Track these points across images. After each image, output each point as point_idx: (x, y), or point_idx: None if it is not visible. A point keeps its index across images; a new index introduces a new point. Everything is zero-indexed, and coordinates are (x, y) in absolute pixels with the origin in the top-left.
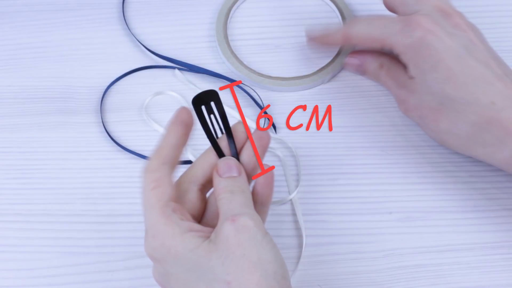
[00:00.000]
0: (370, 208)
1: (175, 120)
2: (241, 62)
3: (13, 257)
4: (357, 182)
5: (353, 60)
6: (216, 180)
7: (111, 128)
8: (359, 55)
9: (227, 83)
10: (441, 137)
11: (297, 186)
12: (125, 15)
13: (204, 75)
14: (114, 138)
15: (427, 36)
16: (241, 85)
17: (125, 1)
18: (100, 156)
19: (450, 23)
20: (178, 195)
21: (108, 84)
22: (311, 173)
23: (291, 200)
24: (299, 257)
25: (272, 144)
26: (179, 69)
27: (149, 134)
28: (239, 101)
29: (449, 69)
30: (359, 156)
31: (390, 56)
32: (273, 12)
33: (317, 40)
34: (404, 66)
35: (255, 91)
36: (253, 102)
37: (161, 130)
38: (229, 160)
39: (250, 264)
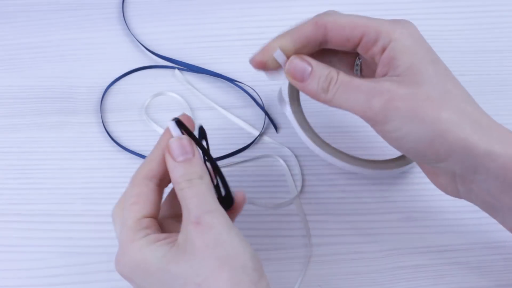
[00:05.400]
0: (370, 208)
1: (167, 131)
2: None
3: (13, 257)
4: (357, 183)
5: (300, 64)
6: (171, 166)
7: (111, 128)
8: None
9: (227, 83)
10: (441, 129)
11: (299, 186)
12: (125, 15)
13: (204, 75)
14: (114, 138)
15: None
16: (241, 85)
17: (125, 1)
18: (100, 156)
19: None
20: (156, 210)
21: (108, 84)
22: (310, 173)
23: (293, 201)
24: (309, 257)
25: (274, 145)
26: (179, 69)
27: (149, 134)
28: (239, 100)
29: (447, 68)
30: (359, 156)
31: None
32: (273, 12)
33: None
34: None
35: (254, 91)
36: (253, 102)
37: (160, 130)
38: (181, 140)
39: (217, 261)
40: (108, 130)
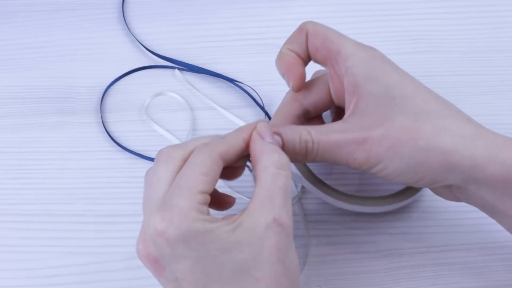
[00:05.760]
0: None
1: (253, 126)
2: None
3: (13, 257)
4: (357, 182)
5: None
6: (259, 143)
7: (111, 128)
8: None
9: (227, 83)
10: (420, 157)
11: (299, 186)
12: (125, 15)
13: (204, 75)
14: (114, 138)
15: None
16: (241, 85)
17: (125, 1)
18: (100, 156)
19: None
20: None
21: (108, 84)
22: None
23: (293, 201)
24: (309, 257)
25: None
26: (179, 69)
27: (149, 134)
28: (239, 100)
29: (418, 84)
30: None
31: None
32: (273, 12)
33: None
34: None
35: (254, 91)
36: (253, 102)
37: (160, 130)
38: (268, 126)
39: (283, 269)
40: (108, 130)
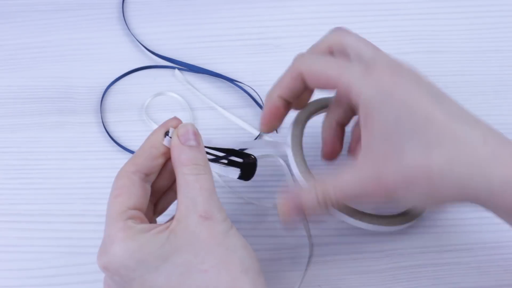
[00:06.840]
0: (370, 208)
1: (160, 128)
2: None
3: (13, 257)
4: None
5: (287, 205)
6: (177, 149)
7: (111, 128)
8: (288, 194)
9: (227, 83)
10: (437, 190)
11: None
12: (125, 15)
13: (204, 75)
14: (114, 138)
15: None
16: (241, 85)
17: (125, 1)
18: (100, 156)
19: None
20: (143, 202)
21: (108, 84)
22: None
23: None
24: (309, 257)
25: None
26: (179, 69)
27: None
28: (239, 100)
29: (431, 104)
30: None
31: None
32: (273, 12)
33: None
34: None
35: (254, 91)
36: (253, 102)
37: None
38: (190, 126)
39: (227, 251)
40: (108, 130)
